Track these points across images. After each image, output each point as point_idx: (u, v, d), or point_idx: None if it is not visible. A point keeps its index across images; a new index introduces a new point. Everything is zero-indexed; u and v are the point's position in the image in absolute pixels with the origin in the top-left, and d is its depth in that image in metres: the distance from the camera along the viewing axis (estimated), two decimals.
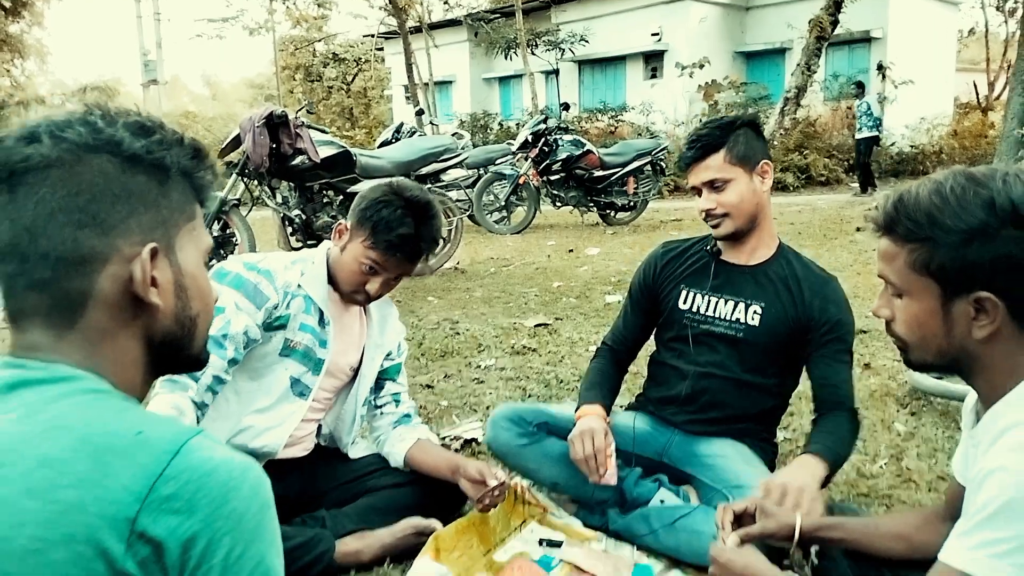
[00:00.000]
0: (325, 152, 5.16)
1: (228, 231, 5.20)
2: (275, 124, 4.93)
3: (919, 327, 1.15)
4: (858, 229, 7.93)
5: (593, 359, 2.27)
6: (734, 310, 2.06)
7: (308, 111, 5.45)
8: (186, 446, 0.69)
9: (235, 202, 5.16)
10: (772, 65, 19.19)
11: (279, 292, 1.84)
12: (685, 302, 2.12)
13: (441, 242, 5.99)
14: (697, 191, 2.03)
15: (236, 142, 5.11)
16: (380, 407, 2.12)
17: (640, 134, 16.17)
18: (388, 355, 2.11)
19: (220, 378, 1.78)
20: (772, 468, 2.12)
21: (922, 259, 1.10)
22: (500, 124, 19.88)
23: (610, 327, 2.33)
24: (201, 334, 0.86)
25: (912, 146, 16.32)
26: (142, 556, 0.65)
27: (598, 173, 8.65)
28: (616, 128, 17.30)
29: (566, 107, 9.62)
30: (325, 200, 5.41)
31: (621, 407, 2.36)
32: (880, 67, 17.02)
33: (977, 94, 20.96)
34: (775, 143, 14.51)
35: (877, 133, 12.87)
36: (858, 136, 12.92)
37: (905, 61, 16.82)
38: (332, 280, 1.95)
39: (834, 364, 1.97)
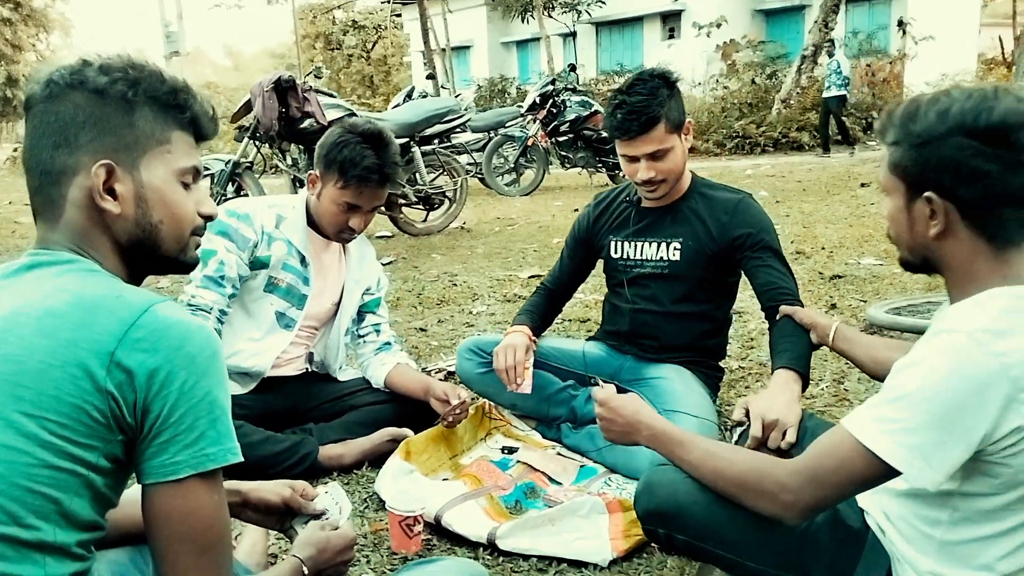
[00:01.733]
0: (332, 115, 5.39)
1: (243, 192, 5.48)
2: (283, 89, 5.17)
3: (893, 223, 1.30)
4: (862, 185, 8.04)
5: (531, 296, 2.51)
6: (657, 250, 2.26)
7: (316, 76, 5.69)
8: (154, 306, 0.94)
9: (248, 164, 5.44)
10: (791, 22, 19.03)
11: (257, 232, 2.11)
12: (616, 251, 2.34)
13: (447, 202, 6.25)
14: (630, 159, 2.11)
15: (247, 107, 5.37)
16: (363, 336, 2.39)
17: None
18: (367, 289, 2.37)
19: (224, 311, 2.11)
20: (716, 391, 2.36)
21: (893, 160, 1.25)
22: (518, 88, 19.95)
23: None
24: (169, 239, 1.09)
25: None
26: (118, 380, 0.90)
27: (606, 133, 8.78)
28: None
29: (573, 68, 9.74)
30: None
31: (583, 338, 2.61)
32: (900, 23, 16.81)
33: (1003, 49, 20.55)
34: (791, 102, 14.50)
35: (845, 92, 12.71)
36: (826, 94, 12.63)
37: (927, 16, 16.58)
38: (314, 225, 2.21)
39: (767, 268, 2.10)
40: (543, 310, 2.45)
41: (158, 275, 1.13)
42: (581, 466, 2.12)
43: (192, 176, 1.10)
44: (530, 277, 4.52)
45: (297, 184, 5.58)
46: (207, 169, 5.46)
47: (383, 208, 6.03)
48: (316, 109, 5.31)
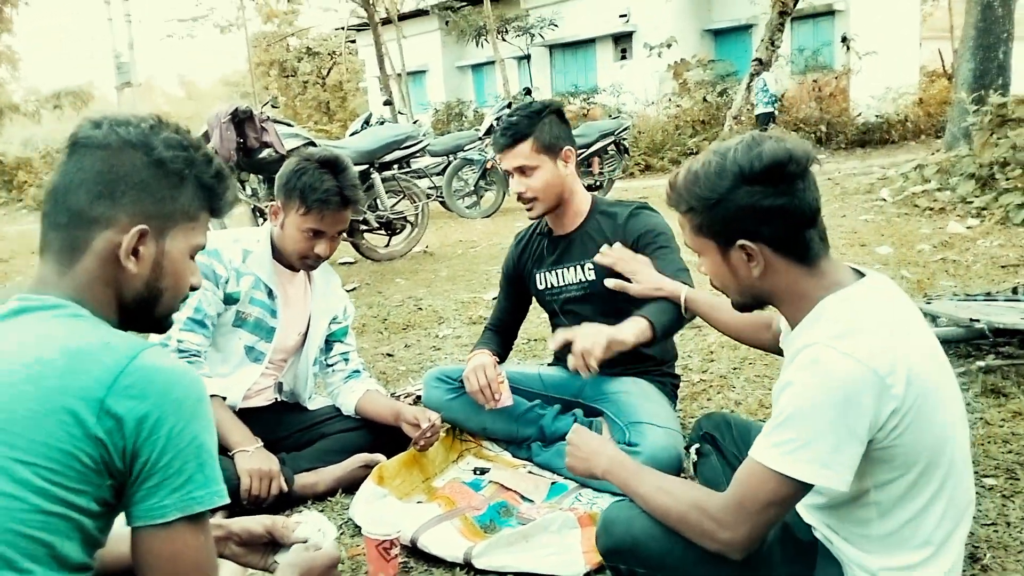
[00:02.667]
0: (291, 144, 5.42)
1: None
2: (240, 119, 5.19)
3: (718, 277, 1.42)
4: None
5: (480, 337, 2.57)
6: (575, 273, 2.36)
7: (273, 105, 5.71)
8: (141, 353, 0.97)
9: None
10: (739, 42, 19.46)
11: (227, 268, 2.14)
12: (541, 283, 2.45)
13: (408, 227, 6.29)
14: (508, 174, 2.29)
15: (204, 139, 5.36)
16: (331, 365, 2.42)
17: (611, 115, 16.45)
18: (334, 319, 2.40)
19: (204, 351, 2.16)
20: (674, 398, 2.44)
21: (695, 224, 1.38)
22: (475, 111, 20.11)
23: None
24: (165, 304, 1.14)
25: (877, 116, 16.63)
26: (108, 426, 0.92)
27: None
28: (588, 111, 17.56)
29: (528, 91, 9.87)
30: None
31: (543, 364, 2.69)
32: (844, 39, 17.33)
33: (943, 61, 21.28)
34: (741, 118, 14.83)
35: (773, 109, 13.49)
36: (756, 112, 13.51)
37: (869, 32, 17.12)
38: (278, 256, 2.24)
39: (659, 258, 2.18)
40: (496, 343, 2.51)
41: (139, 332, 1.16)
42: (552, 483, 2.16)
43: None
44: (494, 298, 4.56)
45: (257, 214, 5.58)
46: None
47: (345, 235, 6.05)
48: (274, 139, 5.33)
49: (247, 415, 2.25)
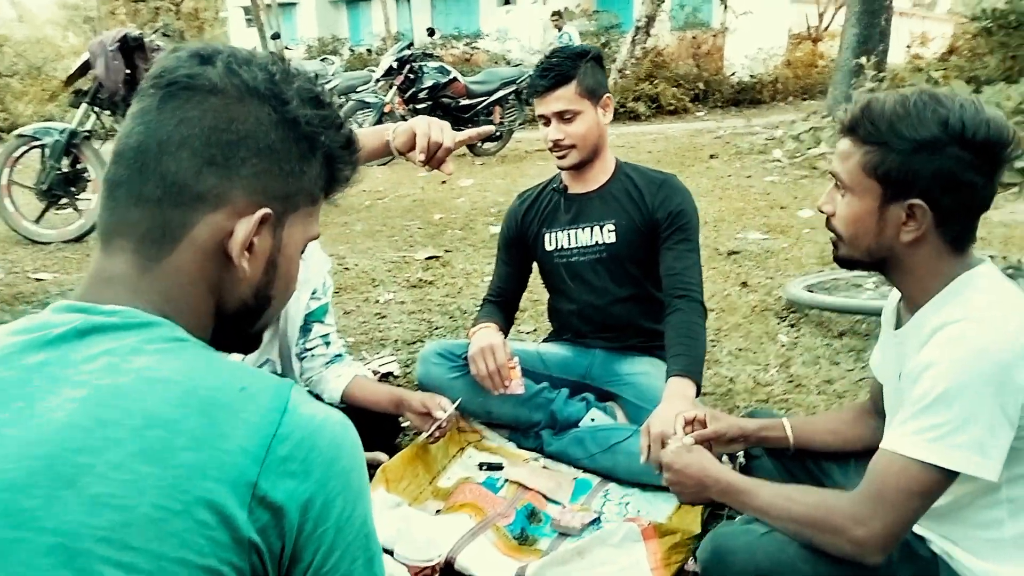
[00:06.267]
0: None
1: (79, 166, 4.79)
2: (130, 48, 4.53)
3: (855, 224, 1.26)
4: (712, 156, 8.36)
5: (481, 309, 2.32)
6: (591, 235, 2.18)
7: (164, 34, 5.04)
8: (291, 402, 0.67)
9: (86, 134, 4.75)
10: None
11: None
12: (550, 243, 2.24)
13: None
14: (545, 120, 2.09)
15: (85, 68, 4.67)
16: (310, 349, 2.08)
17: (497, 62, 16.06)
18: (314, 293, 2.07)
19: None
20: None
21: (873, 161, 1.20)
22: (351, 50, 19.13)
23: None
24: (268, 317, 0.82)
25: (751, 76, 17.13)
26: (263, 522, 0.63)
27: (464, 102, 8.56)
28: (472, 56, 17.09)
29: (431, 32, 9.37)
30: None
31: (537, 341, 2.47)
32: None
33: (808, 25, 22.19)
34: (627, 72, 14.86)
35: None
36: None
37: None
38: None
39: (677, 252, 2.07)
40: (500, 318, 2.26)
41: (226, 352, 0.82)
42: (574, 479, 1.96)
43: None
44: (427, 259, 4.27)
45: None
46: (35, 140, 4.72)
47: None
48: None
49: None
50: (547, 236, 2.24)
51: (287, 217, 0.78)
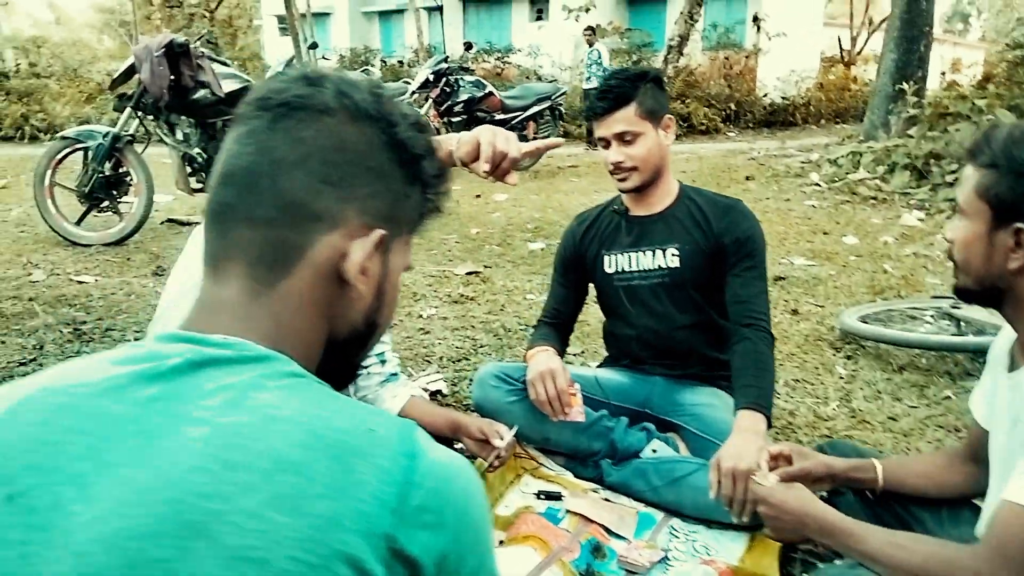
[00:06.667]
0: (229, 86, 4.82)
1: (122, 170, 4.80)
2: (175, 54, 4.55)
3: (966, 248, 1.23)
4: (748, 178, 8.27)
5: (535, 331, 2.26)
6: (654, 258, 2.12)
7: (208, 41, 5.06)
8: (419, 446, 0.62)
9: (129, 138, 4.76)
10: (654, 12, 19.47)
11: None
12: (609, 266, 2.18)
13: None
14: (604, 143, 2.04)
15: (129, 72, 4.69)
16: (366, 367, 2.03)
17: (528, 77, 16.09)
18: None
19: None
20: None
21: (985, 183, 1.18)
22: (383, 61, 19.24)
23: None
24: (372, 345, 0.79)
25: (783, 97, 17.04)
26: None
27: (499, 116, 8.54)
28: (503, 70, 17.12)
29: (468, 47, 9.39)
30: None
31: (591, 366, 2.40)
32: (756, 18, 17.59)
33: (841, 48, 22.08)
34: None
35: None
36: (586, 86, 11.97)
37: (778, 14, 17.44)
38: None
39: (744, 279, 2.01)
40: (556, 340, 2.19)
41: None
42: (638, 512, 1.89)
43: None
44: (468, 274, 4.22)
45: (186, 162, 4.95)
46: (79, 142, 4.73)
47: None
48: (211, 78, 4.71)
49: None
50: (607, 258, 2.19)
51: (392, 242, 0.75)
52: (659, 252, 2.12)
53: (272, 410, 0.60)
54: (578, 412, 1.95)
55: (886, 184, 7.13)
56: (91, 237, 4.78)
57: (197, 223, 5.53)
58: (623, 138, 2.01)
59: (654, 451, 2.03)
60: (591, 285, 2.28)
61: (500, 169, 1.55)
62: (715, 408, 2.05)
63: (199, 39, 4.89)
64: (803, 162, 9.38)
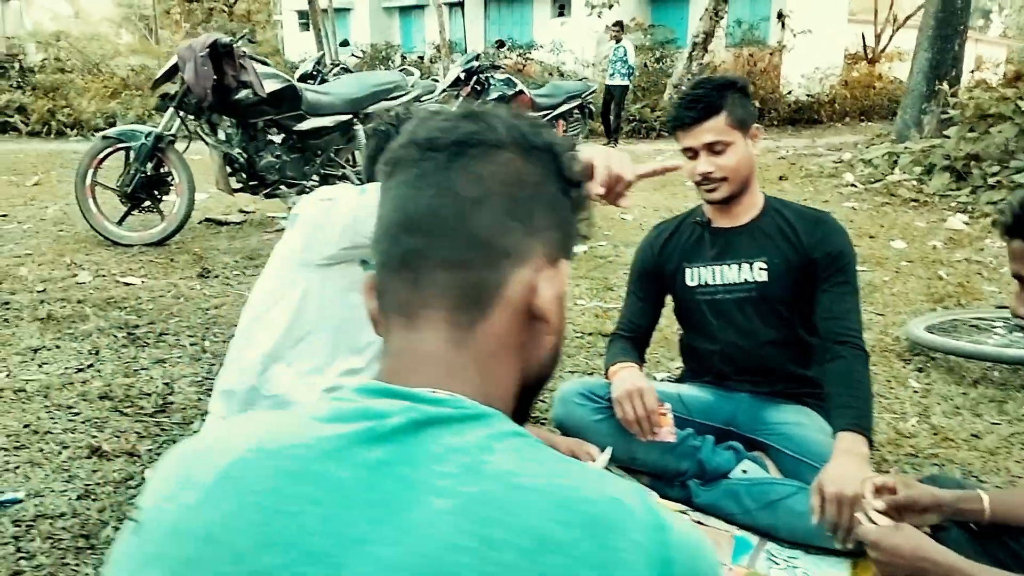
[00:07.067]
0: (271, 86, 4.77)
1: (163, 170, 4.77)
2: (219, 54, 4.51)
3: None
4: (781, 178, 8.17)
5: (610, 346, 2.21)
6: (739, 271, 2.07)
7: (250, 40, 5.02)
8: (663, 517, 0.57)
9: (171, 138, 4.73)
10: (676, 9, 19.31)
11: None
12: (692, 279, 2.13)
13: None
14: (691, 153, 1.99)
15: (172, 71, 4.65)
16: None
17: (550, 74, 16.01)
18: None
19: None
20: None
21: None
22: (403, 57, 19.21)
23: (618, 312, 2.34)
24: (542, 389, 0.75)
25: (808, 95, 16.88)
26: None
27: (529, 115, 8.45)
28: (524, 66, 17.04)
29: (501, 44, 9.31)
30: (269, 138, 5.03)
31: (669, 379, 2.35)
32: (780, 15, 17.44)
33: (864, 45, 21.86)
34: (683, 88, 14.71)
35: (629, 83, 11.95)
36: (609, 82, 11.68)
37: (802, 10, 17.28)
38: None
39: (836, 294, 1.96)
40: (634, 355, 2.14)
41: None
42: (734, 536, 1.83)
43: None
44: None
45: (227, 162, 4.91)
46: (121, 142, 4.71)
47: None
48: (254, 78, 4.67)
49: None
50: (688, 271, 2.13)
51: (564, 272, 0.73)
52: (745, 266, 2.06)
53: (514, 478, 0.55)
54: (668, 432, 1.90)
55: (924, 186, 7.03)
56: (132, 237, 4.76)
57: (236, 223, 5.51)
58: (712, 148, 1.95)
59: (744, 471, 1.98)
60: (669, 298, 2.23)
61: (614, 193, 1.50)
62: (806, 427, 1.99)
63: (241, 38, 4.85)
64: (835, 162, 9.27)
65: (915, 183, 7.08)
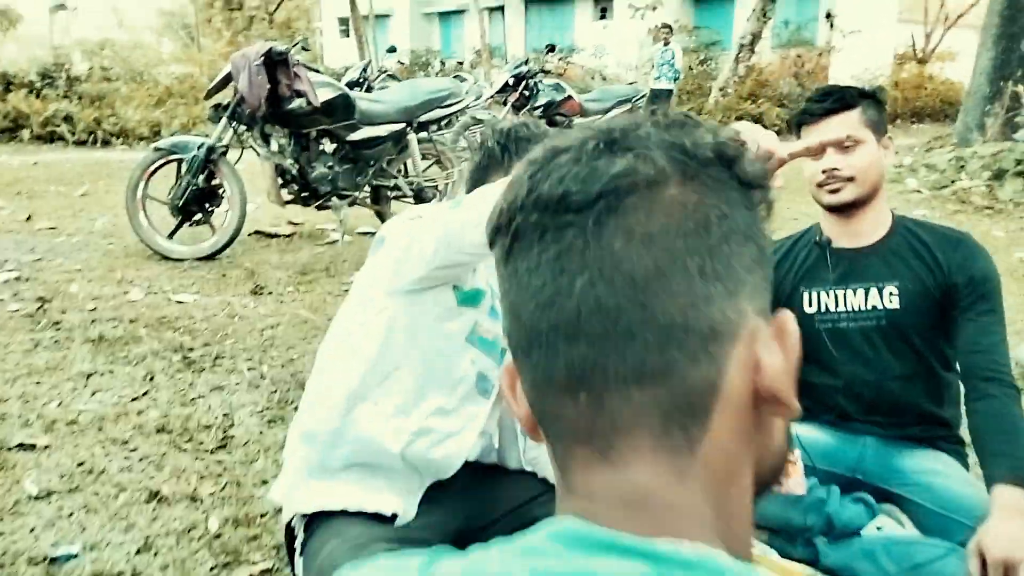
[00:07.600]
0: (324, 95, 4.65)
1: (215, 182, 4.66)
2: (273, 63, 4.39)
3: None
4: None
5: None
6: (867, 297, 1.85)
7: (304, 48, 4.89)
8: None
9: (223, 149, 4.62)
10: (720, 10, 19.00)
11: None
12: (811, 304, 1.91)
13: (437, 196, 5.60)
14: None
15: (225, 81, 4.55)
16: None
17: (592, 77, 15.81)
18: None
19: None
20: None
21: None
22: (442, 62, 19.13)
23: None
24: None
25: None
26: None
27: (578, 120, 8.28)
28: (565, 70, 16.85)
29: (551, 48, 9.13)
30: (321, 148, 4.91)
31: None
32: (829, 15, 17.06)
33: (914, 46, 21.32)
34: (729, 91, 14.40)
35: (673, 87, 11.58)
36: (654, 86, 11.29)
37: (850, 11, 16.90)
38: None
39: (981, 325, 1.74)
40: None
41: None
42: None
43: None
44: None
45: (279, 173, 4.79)
46: (173, 153, 4.60)
47: (370, 202, 5.33)
48: (307, 87, 4.54)
49: (436, 487, 1.62)
50: (806, 295, 1.91)
51: None
52: (874, 291, 1.85)
53: None
54: (797, 483, 1.69)
55: (997, 192, 6.70)
56: (184, 251, 4.65)
57: (286, 235, 5.39)
58: (842, 144, 1.76)
59: (879, 528, 1.76)
60: None
61: None
62: (948, 477, 1.76)
63: (295, 45, 4.72)
64: (896, 166, 8.93)
65: (985, 189, 6.75)
